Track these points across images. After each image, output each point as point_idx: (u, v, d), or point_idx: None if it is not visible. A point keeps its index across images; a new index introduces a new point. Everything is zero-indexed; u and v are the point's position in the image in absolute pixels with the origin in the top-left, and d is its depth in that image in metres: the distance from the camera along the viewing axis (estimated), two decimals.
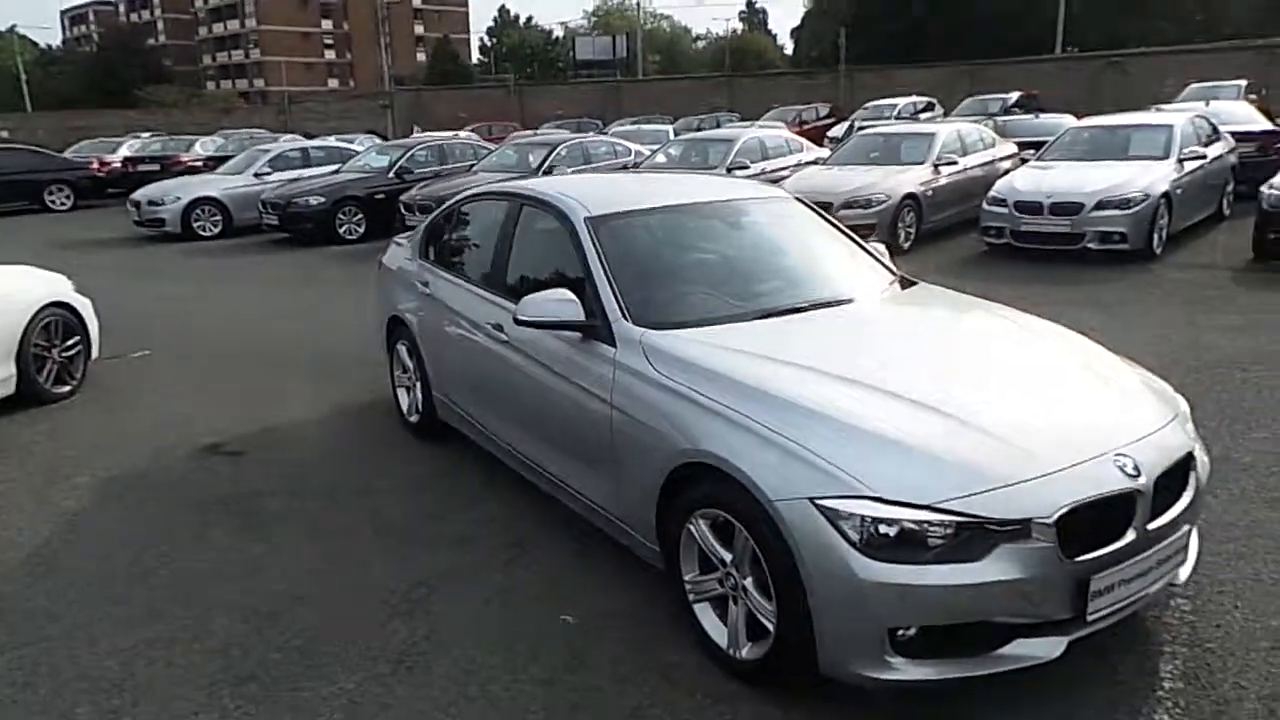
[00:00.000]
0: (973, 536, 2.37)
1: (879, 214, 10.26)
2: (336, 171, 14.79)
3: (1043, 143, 11.50)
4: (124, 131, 30.20)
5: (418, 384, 4.88)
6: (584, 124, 27.72)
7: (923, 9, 41.42)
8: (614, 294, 3.35)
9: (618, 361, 3.18)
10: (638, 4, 62.99)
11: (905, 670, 2.41)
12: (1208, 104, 14.06)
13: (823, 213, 4.30)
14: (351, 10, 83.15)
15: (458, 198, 4.85)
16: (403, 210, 12.29)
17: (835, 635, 2.44)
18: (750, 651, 2.71)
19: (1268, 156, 11.60)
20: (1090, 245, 9.14)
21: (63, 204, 18.51)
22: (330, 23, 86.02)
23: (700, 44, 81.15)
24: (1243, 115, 13.63)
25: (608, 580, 3.40)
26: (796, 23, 70.62)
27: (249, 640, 3.08)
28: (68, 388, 5.89)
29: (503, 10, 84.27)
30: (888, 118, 22.32)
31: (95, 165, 19.89)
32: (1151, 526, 2.56)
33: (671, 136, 17.19)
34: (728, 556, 2.74)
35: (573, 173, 13.21)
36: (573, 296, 3.34)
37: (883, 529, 2.37)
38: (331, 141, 18.60)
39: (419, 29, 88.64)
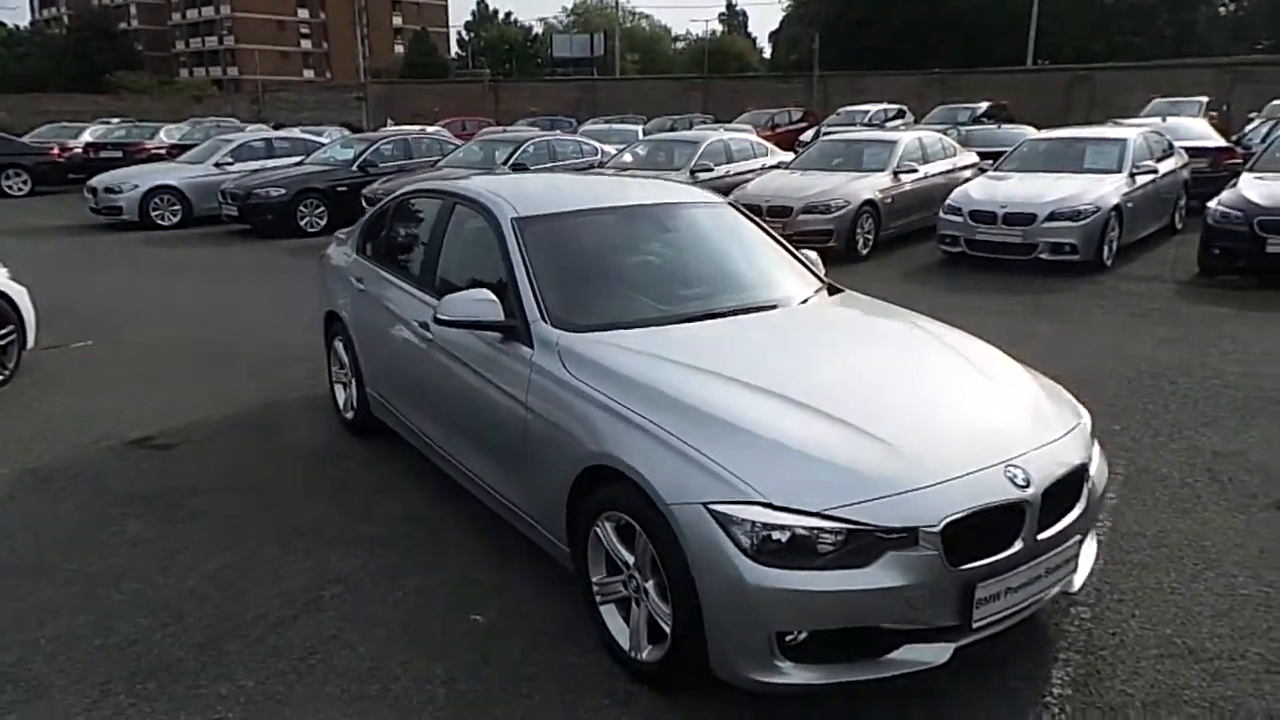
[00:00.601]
0: (861, 543, 2.40)
1: (837, 220, 10.34)
2: (300, 163, 14.62)
3: (1004, 153, 11.66)
4: (93, 117, 29.66)
5: (353, 381, 4.85)
6: (558, 122, 27.61)
7: (900, 18, 41.80)
8: (534, 295, 3.35)
9: (533, 363, 3.19)
10: (616, 3, 62.88)
11: (792, 674, 2.43)
12: (1164, 119, 14.34)
13: (756, 219, 4.33)
14: (329, 0, 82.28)
15: (395, 194, 4.82)
16: (365, 204, 12.18)
17: (725, 638, 2.46)
18: (650, 654, 2.73)
19: (1219, 172, 11.82)
20: (1042, 255, 9.27)
21: (19, 190, 18.13)
22: (307, 12, 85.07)
23: (679, 45, 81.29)
24: (1198, 131, 13.90)
25: (522, 580, 3.40)
26: (775, 27, 70.87)
27: (151, 637, 3.05)
28: (0, 377, 5.79)
29: (481, 5, 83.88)
30: (859, 123, 22.52)
31: (56, 151, 19.50)
32: (1041, 536, 2.60)
33: (641, 137, 17.18)
34: (630, 559, 2.76)
35: (538, 170, 13.21)
36: (493, 297, 3.34)
37: (774, 535, 2.39)
38: (296, 133, 18.40)
39: (397, 20, 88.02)
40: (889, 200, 10.94)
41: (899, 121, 23.90)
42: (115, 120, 27.14)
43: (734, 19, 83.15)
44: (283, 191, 13.06)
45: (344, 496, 4.20)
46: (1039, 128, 14.47)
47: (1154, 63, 30.40)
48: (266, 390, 5.81)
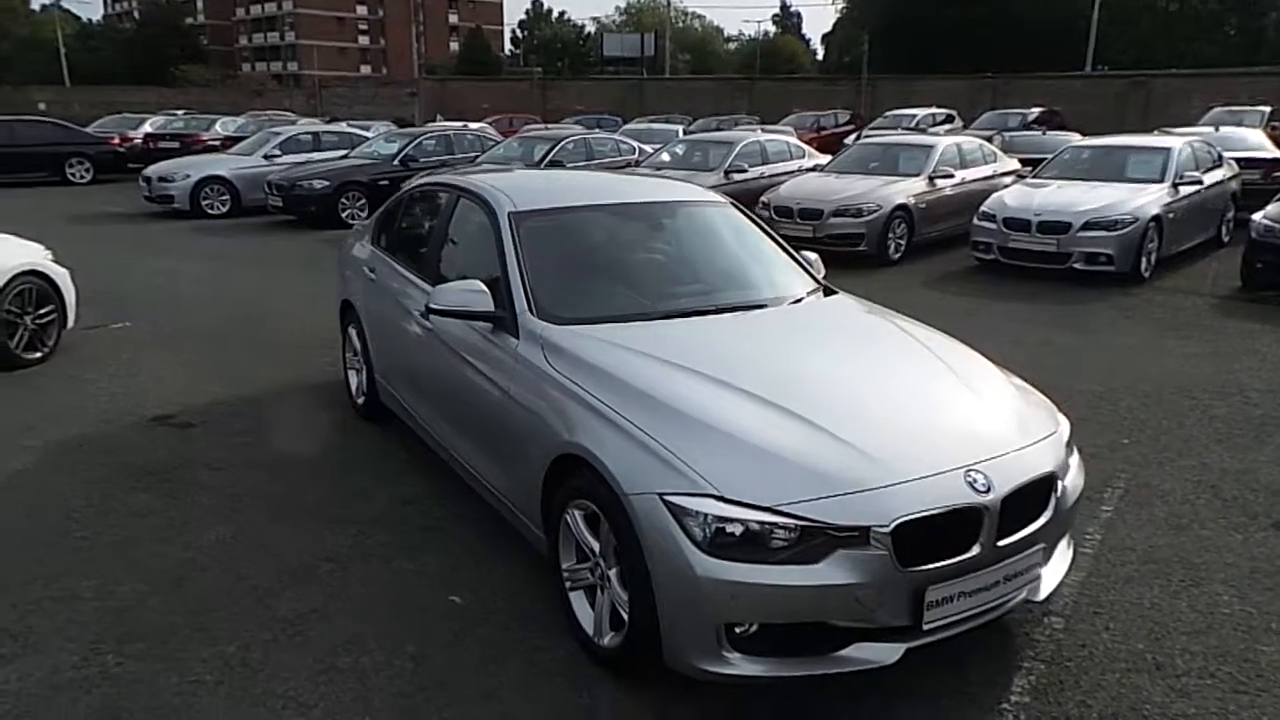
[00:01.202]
0: (813, 540, 2.43)
1: (868, 224, 10.27)
2: (344, 157, 14.98)
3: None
4: (157, 108, 30.71)
5: (364, 368, 5.00)
6: (603, 120, 27.78)
7: (955, 21, 41.12)
8: (524, 287, 3.44)
9: (518, 353, 3.27)
10: (668, 2, 62.90)
11: (740, 666, 2.48)
12: (1217, 129, 13.91)
13: (756, 219, 4.36)
14: None
15: (408, 187, 4.96)
16: None
17: (676, 628, 2.52)
18: (611, 640, 2.80)
19: (1272, 185, 11.45)
20: (1076, 265, 9.10)
21: (82, 177, 18.86)
22: (365, 8, 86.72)
23: (731, 45, 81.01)
24: (1253, 142, 13.47)
25: (505, 566, 3.49)
26: (829, 29, 70.34)
27: (147, 602, 3.21)
28: (39, 354, 6.08)
29: (536, 3, 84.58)
30: (906, 128, 22.25)
31: (116, 141, 20.26)
32: (1001, 543, 2.60)
33: (681, 136, 17.21)
34: (597, 547, 2.82)
35: (574, 168, 13.34)
36: (483, 288, 3.43)
37: (728, 528, 2.44)
38: (343, 127, 18.82)
39: (454, 18, 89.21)
40: (923, 205, 10.83)
41: (947, 126, 23.55)
42: (180, 112, 28.01)
43: (788, 20, 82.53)
44: (326, 184, 13.40)
45: (346, 478, 4.34)
46: (1084, 134, 14.16)
47: (1215, 70, 29.44)
48: (289, 374, 6.00)
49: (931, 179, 11.07)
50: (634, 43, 48.06)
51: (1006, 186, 11.18)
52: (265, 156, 15.18)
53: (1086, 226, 9.06)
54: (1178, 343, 6.89)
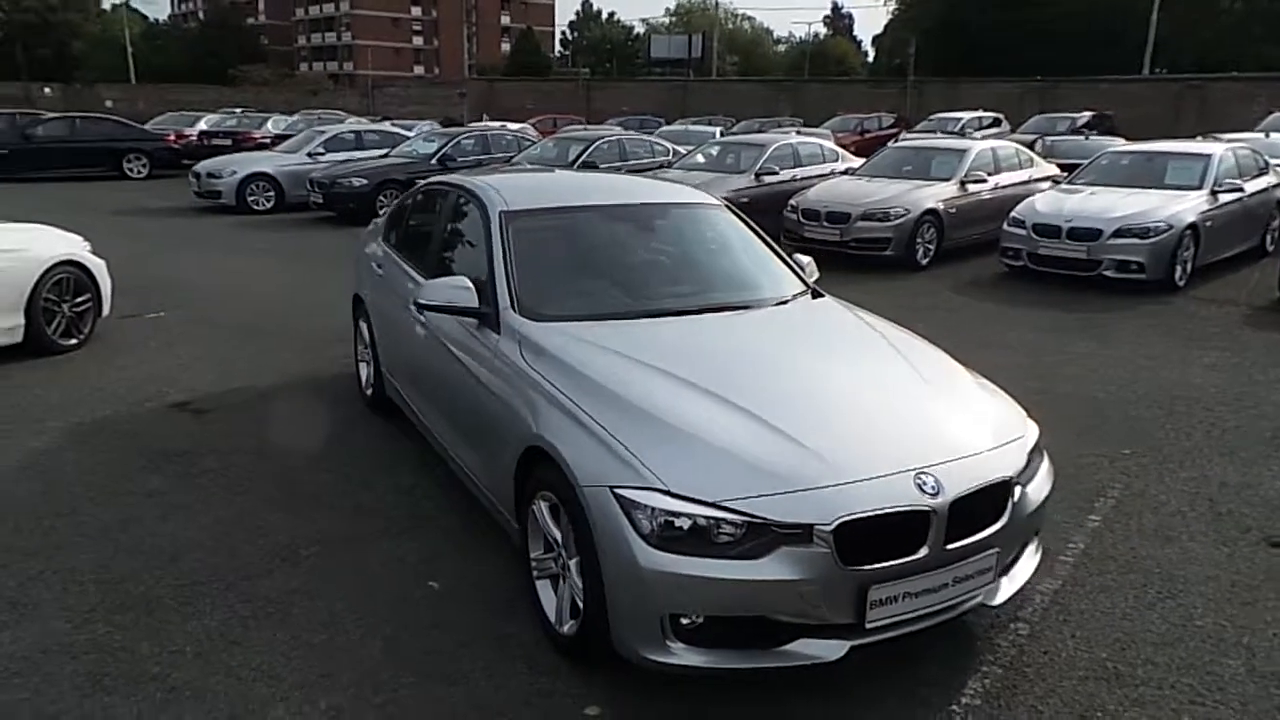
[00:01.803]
0: (758, 536, 2.48)
1: (896, 228, 10.19)
2: (385, 155, 15.31)
3: None
4: (217, 106, 31.71)
5: (372, 360, 5.15)
6: (646, 122, 27.91)
7: (1008, 24, 40.34)
8: (508, 285, 3.54)
9: (498, 348, 3.37)
10: (716, 4, 62.82)
11: (683, 656, 2.54)
12: (1267, 135, 13.48)
13: (750, 222, 4.40)
14: None
15: (417, 186, 5.10)
16: None
17: (623, 617, 2.59)
18: (570, 628, 2.88)
19: None
20: (1107, 273, 8.93)
21: (139, 173, 19.57)
22: (420, 9, 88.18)
23: (781, 47, 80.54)
24: None
25: (484, 554, 3.59)
26: (880, 30, 69.48)
27: (141, 576, 3.38)
28: (74, 341, 6.38)
29: (586, 4, 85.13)
30: (951, 131, 21.95)
31: (172, 137, 20.99)
32: (951, 546, 2.62)
33: (716, 138, 17.23)
34: (559, 537, 2.91)
35: (607, 169, 13.47)
36: (469, 284, 3.54)
37: (676, 522, 2.50)
38: (387, 126, 19.24)
39: (505, 19, 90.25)
40: (953, 210, 10.70)
41: (994, 130, 23.13)
42: (238, 111, 28.86)
43: (839, 21, 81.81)
44: (365, 182, 13.72)
45: (347, 466, 4.49)
46: (1131, 139, 13.83)
47: (1276, 74, 28.40)
48: (310, 365, 6.20)
49: (963, 183, 10.93)
50: (681, 44, 48.22)
51: (1043, 192, 11.02)
52: (309, 154, 15.60)
53: (1118, 234, 8.88)
54: (1201, 353, 6.73)
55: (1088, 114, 22.97)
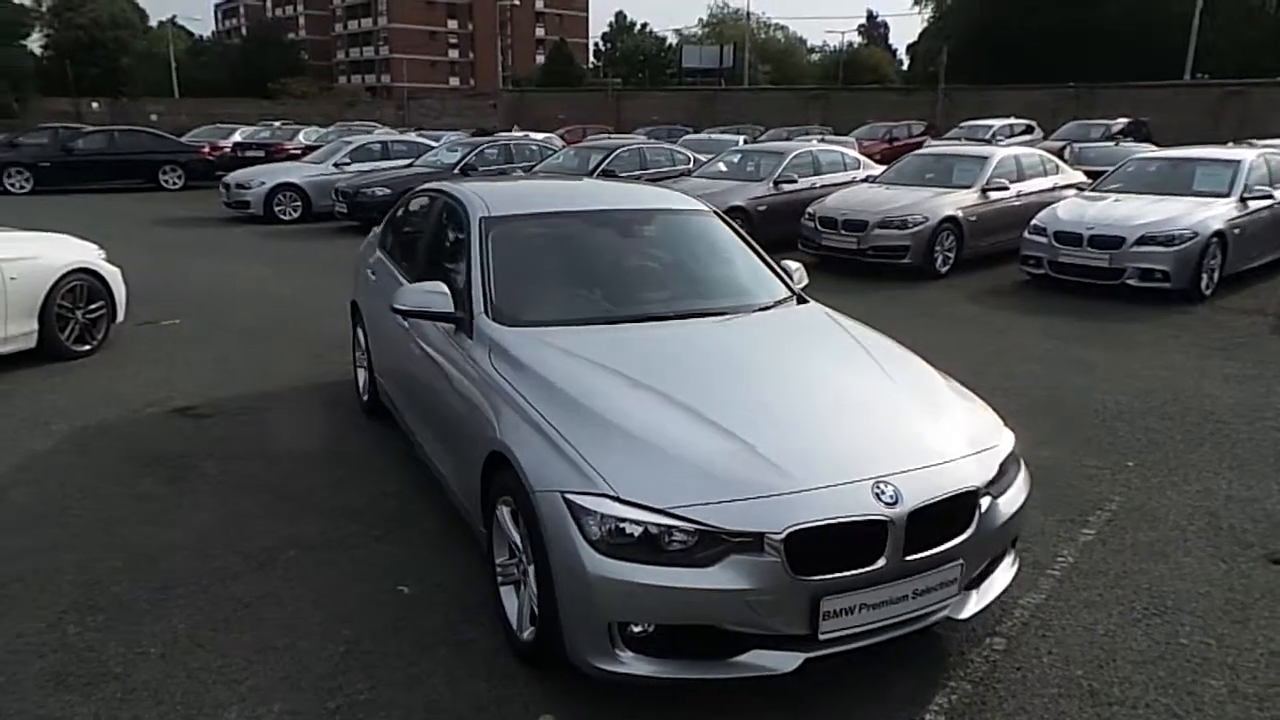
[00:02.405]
0: (709, 544, 2.44)
1: (914, 236, 10.06)
2: (409, 165, 15.49)
3: None
4: (258, 119, 32.40)
5: (367, 366, 5.19)
6: (674, 131, 27.93)
7: (1043, 30, 39.74)
8: (484, 290, 3.55)
9: (469, 354, 3.37)
10: (747, 14, 62.82)
11: (632, 665, 2.50)
12: None
13: (738, 228, 4.35)
14: (476, 11, 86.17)
15: (410, 192, 5.14)
16: None
17: (572, 624, 2.56)
18: (529, 635, 2.85)
19: None
20: (1130, 281, 8.72)
21: (174, 184, 20.05)
22: (455, 23, 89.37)
23: (815, 57, 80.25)
24: None
25: (457, 559, 3.59)
26: (914, 39, 68.83)
27: (118, 578, 3.42)
28: (88, 347, 6.51)
29: (619, 16, 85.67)
30: (981, 139, 21.65)
31: (206, 149, 21.46)
32: (912, 557, 2.55)
33: (738, 146, 17.17)
34: (520, 542, 2.89)
35: (627, 177, 13.47)
36: (444, 289, 3.55)
37: (626, 529, 2.47)
38: (412, 136, 19.49)
39: (540, 32, 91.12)
40: (973, 218, 10.53)
41: (1027, 137, 22.79)
42: (277, 124, 29.43)
43: (874, 30, 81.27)
44: (388, 191, 13.83)
45: (337, 471, 4.52)
46: (1160, 145, 13.52)
47: None
48: (314, 372, 6.27)
49: (984, 191, 10.76)
50: (713, 54, 48.22)
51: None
52: (335, 164, 15.84)
53: (1141, 241, 8.67)
54: (1221, 364, 6.53)
55: (1123, 121, 22.59)
